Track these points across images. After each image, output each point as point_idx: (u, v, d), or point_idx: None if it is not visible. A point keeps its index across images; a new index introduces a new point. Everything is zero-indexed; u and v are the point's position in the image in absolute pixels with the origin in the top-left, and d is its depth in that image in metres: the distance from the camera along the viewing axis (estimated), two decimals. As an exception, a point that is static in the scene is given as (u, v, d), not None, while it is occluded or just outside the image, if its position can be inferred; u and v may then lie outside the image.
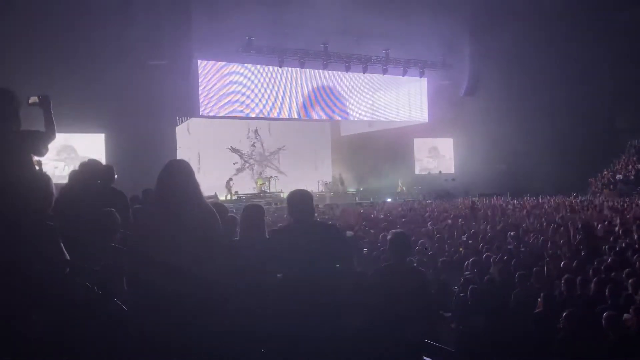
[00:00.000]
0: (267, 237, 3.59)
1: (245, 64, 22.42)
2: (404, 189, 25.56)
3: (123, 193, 4.88)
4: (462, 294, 5.74)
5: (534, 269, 6.46)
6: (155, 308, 2.78)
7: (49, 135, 3.09)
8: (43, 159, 3.50)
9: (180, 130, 22.36)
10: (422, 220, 13.31)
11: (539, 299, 5.06)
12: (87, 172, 4.74)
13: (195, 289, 2.74)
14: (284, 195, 22.88)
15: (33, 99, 3.13)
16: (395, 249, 3.69)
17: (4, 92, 2.99)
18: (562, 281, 5.56)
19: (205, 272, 2.80)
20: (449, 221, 12.27)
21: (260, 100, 23.10)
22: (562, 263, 6.72)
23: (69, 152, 18.81)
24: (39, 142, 3.04)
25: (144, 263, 2.89)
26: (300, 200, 3.39)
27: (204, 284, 2.78)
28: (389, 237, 3.81)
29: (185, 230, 2.85)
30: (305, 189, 3.56)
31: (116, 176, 5.04)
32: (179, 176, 2.97)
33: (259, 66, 22.78)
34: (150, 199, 3.25)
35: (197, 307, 2.74)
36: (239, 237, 3.78)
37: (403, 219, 13.35)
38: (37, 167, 3.26)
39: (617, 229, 9.83)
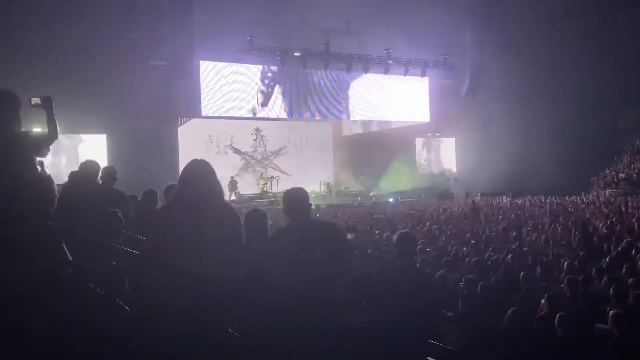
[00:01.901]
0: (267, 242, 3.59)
1: (247, 64, 22.42)
2: (407, 185, 25.57)
3: (124, 193, 4.88)
4: (465, 293, 5.72)
5: (536, 268, 6.47)
6: (171, 309, 2.74)
7: (50, 136, 3.10)
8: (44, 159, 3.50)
9: (182, 130, 22.38)
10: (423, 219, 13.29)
11: (542, 301, 5.05)
12: (87, 173, 4.74)
13: (215, 290, 2.71)
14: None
15: (35, 100, 3.15)
16: (401, 250, 3.67)
17: (5, 93, 2.99)
18: (565, 281, 5.55)
19: (226, 274, 2.77)
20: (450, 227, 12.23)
21: (261, 100, 23.09)
22: (563, 263, 6.71)
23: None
24: (41, 142, 3.05)
25: (160, 264, 2.85)
26: (296, 198, 3.38)
27: (224, 285, 2.75)
28: (395, 237, 3.78)
29: (205, 231, 2.82)
30: (300, 187, 3.53)
31: (117, 177, 5.05)
32: (198, 177, 2.95)
33: (260, 66, 22.77)
34: (169, 199, 3.21)
35: (216, 308, 2.72)
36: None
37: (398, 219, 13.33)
38: (39, 168, 3.27)
39: (618, 228, 9.80)
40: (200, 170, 2.97)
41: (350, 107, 25.38)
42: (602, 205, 14.90)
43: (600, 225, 10.44)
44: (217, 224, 2.85)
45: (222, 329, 2.82)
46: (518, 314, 4.56)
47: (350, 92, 25.25)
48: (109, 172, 5.01)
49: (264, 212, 3.85)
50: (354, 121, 27.01)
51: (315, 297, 3.08)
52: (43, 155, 3.11)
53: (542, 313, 4.99)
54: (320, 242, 3.23)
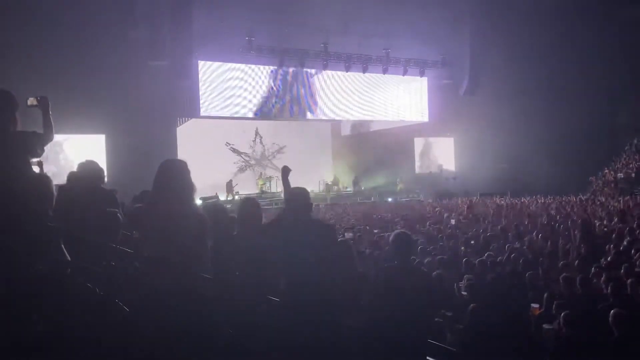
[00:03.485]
0: (263, 229, 3.68)
1: (246, 64, 22.43)
2: (403, 187, 25.57)
3: (113, 192, 4.85)
4: (464, 293, 5.73)
5: (538, 269, 6.47)
6: (149, 304, 2.79)
7: (46, 137, 3.08)
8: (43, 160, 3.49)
9: (181, 130, 22.36)
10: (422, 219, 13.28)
11: (532, 305, 5.04)
12: (86, 173, 4.72)
13: (184, 284, 2.77)
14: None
15: (32, 100, 3.13)
16: (397, 249, 3.67)
17: (1, 93, 2.98)
18: (561, 281, 5.56)
19: (193, 269, 2.85)
20: (452, 221, 12.24)
21: (260, 100, 23.10)
22: (562, 262, 6.71)
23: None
24: (36, 143, 3.03)
25: (140, 260, 2.92)
26: (297, 197, 3.43)
27: (192, 279, 2.81)
28: (391, 237, 3.79)
29: (172, 228, 2.88)
30: (302, 187, 3.59)
31: (106, 179, 5.02)
32: (170, 175, 3.02)
33: (259, 66, 22.78)
34: (146, 198, 3.32)
35: (187, 302, 2.75)
36: (237, 232, 3.80)
37: (396, 219, 13.33)
38: (38, 168, 3.25)
39: (618, 227, 9.79)
40: (171, 170, 3.04)
41: (349, 107, 25.38)
42: (601, 205, 14.90)
43: (598, 224, 10.43)
44: (183, 225, 2.92)
45: (212, 328, 2.84)
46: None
47: (349, 92, 25.24)
48: (99, 172, 4.99)
49: (256, 199, 3.96)
50: (353, 121, 27.02)
51: (312, 295, 3.10)
52: (37, 155, 3.09)
53: (537, 313, 4.99)
54: (317, 241, 3.27)
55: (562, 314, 4.49)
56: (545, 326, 4.54)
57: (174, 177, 3.01)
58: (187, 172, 3.06)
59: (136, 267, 3.26)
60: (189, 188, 3.04)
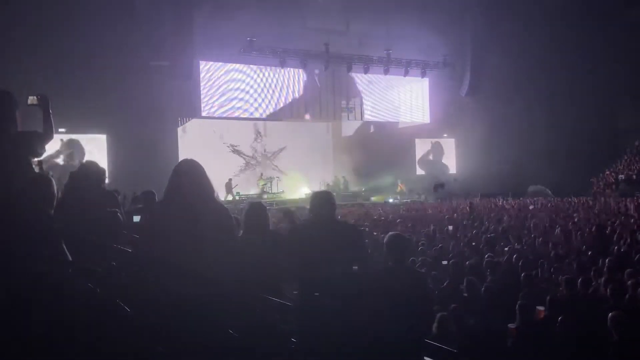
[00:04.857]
0: (289, 232, 3.84)
1: (247, 65, 22.44)
2: (404, 188, 25.56)
3: (113, 193, 4.85)
4: (465, 295, 5.73)
5: (537, 270, 6.46)
6: (166, 309, 2.74)
7: (46, 136, 3.08)
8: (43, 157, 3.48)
9: (182, 131, 22.38)
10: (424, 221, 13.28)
11: (537, 308, 5.04)
12: (88, 173, 4.73)
13: (207, 288, 2.70)
14: (285, 196, 22.99)
15: (32, 99, 3.13)
16: (391, 251, 3.68)
17: (2, 93, 2.98)
18: (562, 282, 5.55)
19: (217, 272, 2.76)
20: (450, 226, 12.22)
21: (261, 101, 23.11)
22: (563, 264, 6.71)
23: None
24: (37, 143, 3.03)
25: (154, 264, 2.85)
26: (321, 200, 3.55)
27: (217, 283, 2.74)
28: (385, 239, 3.81)
29: (198, 230, 2.80)
30: (327, 191, 3.72)
31: (107, 181, 5.02)
32: (190, 176, 2.94)
33: (260, 67, 22.79)
34: (162, 198, 3.22)
35: (208, 305, 2.70)
36: (242, 235, 3.80)
37: (398, 220, 13.32)
38: (37, 169, 3.26)
39: (618, 229, 9.77)
40: (191, 170, 2.97)
41: (350, 108, 25.39)
42: (600, 206, 14.88)
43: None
44: (209, 222, 2.83)
45: (219, 328, 2.80)
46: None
47: (350, 92, 25.25)
48: (101, 173, 4.99)
49: (263, 203, 4.00)
50: (354, 122, 27.02)
51: (330, 292, 3.13)
52: (38, 155, 3.09)
53: (541, 316, 4.98)
54: (340, 240, 3.38)
55: (560, 318, 4.50)
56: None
57: (191, 176, 2.94)
58: (203, 171, 3.01)
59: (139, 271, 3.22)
60: (208, 187, 2.99)
